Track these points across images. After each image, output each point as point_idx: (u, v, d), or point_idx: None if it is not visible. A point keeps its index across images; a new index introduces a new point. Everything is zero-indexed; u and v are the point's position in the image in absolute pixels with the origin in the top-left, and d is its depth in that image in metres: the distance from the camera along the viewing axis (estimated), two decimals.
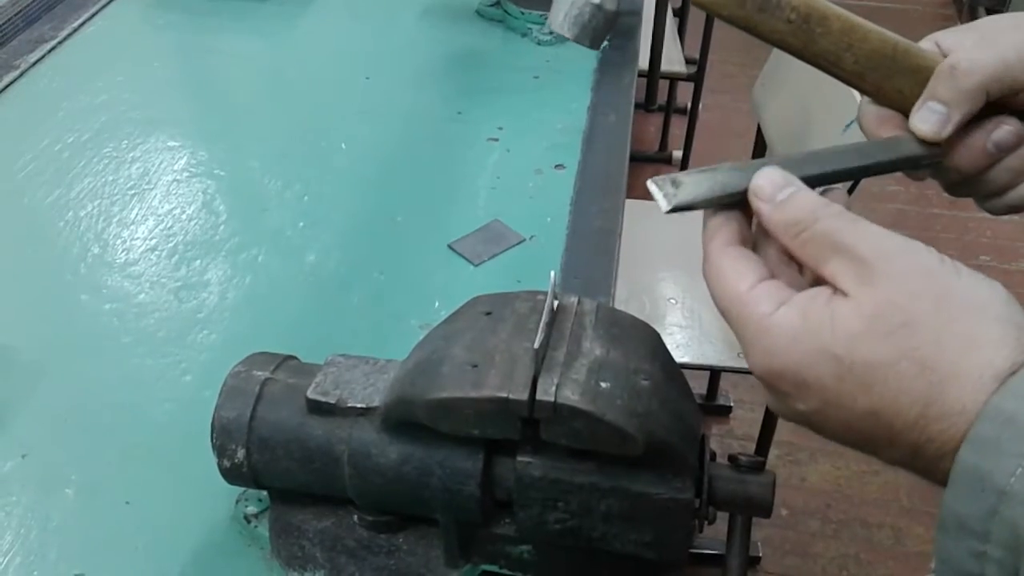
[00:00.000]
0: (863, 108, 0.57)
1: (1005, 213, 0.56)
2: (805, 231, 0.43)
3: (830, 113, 1.40)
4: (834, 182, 0.50)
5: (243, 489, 0.68)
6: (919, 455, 0.39)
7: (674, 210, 0.48)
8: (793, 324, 0.42)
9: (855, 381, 0.39)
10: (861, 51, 0.55)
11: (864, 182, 1.36)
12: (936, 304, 0.39)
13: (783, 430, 1.86)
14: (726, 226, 0.47)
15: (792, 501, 1.89)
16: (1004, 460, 0.35)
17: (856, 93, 0.56)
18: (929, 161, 0.52)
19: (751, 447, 1.78)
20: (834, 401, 0.41)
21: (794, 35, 0.55)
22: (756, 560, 1.78)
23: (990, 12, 2.95)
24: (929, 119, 0.51)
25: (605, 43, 1.34)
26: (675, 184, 0.48)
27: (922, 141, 0.52)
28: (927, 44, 0.55)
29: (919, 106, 0.52)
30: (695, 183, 0.48)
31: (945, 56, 0.53)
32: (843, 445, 0.43)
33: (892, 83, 0.55)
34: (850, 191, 1.35)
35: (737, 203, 0.47)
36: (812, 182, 0.48)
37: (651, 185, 0.48)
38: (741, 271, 0.44)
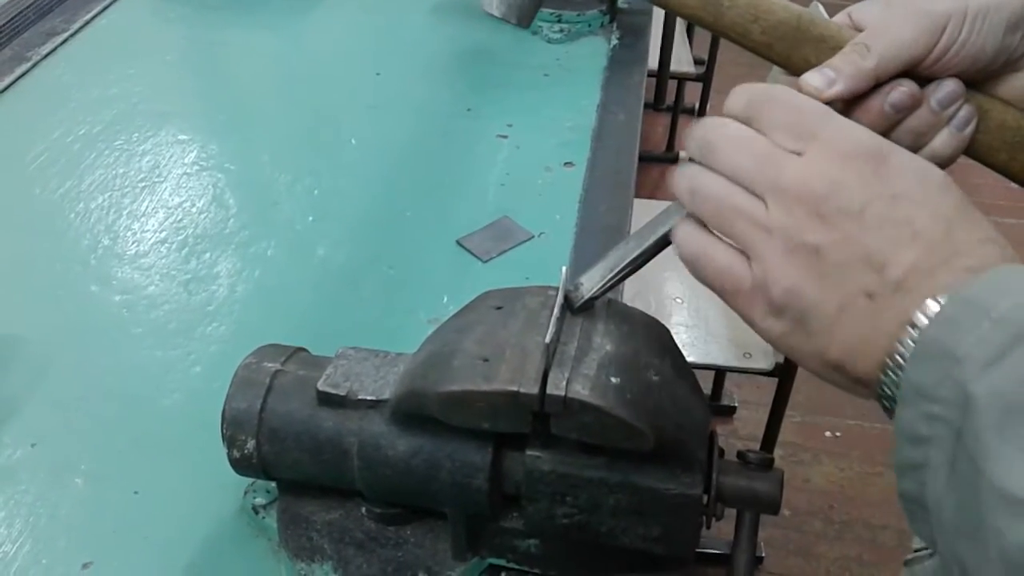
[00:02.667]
0: (776, 78, 0.60)
1: None
2: None
3: None
4: None
5: (251, 480, 0.69)
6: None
7: (582, 307, 0.56)
8: None
9: (954, 195, 0.43)
10: (767, 23, 0.59)
11: None
12: None
13: (787, 431, 1.86)
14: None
15: (795, 502, 1.89)
16: (962, 333, 0.38)
17: None
18: None
19: (755, 448, 1.78)
20: (922, 189, 0.43)
21: (704, 8, 0.60)
22: (759, 560, 1.78)
23: None
24: (817, 77, 0.53)
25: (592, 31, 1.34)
26: (577, 288, 0.56)
27: None
28: (841, 17, 0.58)
29: (816, 68, 0.54)
30: (589, 278, 0.55)
31: (856, 29, 0.56)
32: (857, 258, 0.43)
33: (799, 52, 0.58)
34: None
35: (641, 265, 0.54)
36: None
37: (559, 299, 0.55)
38: None
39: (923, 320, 0.40)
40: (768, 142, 0.45)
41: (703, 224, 0.47)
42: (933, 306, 0.40)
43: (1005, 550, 0.34)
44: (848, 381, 0.44)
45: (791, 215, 0.43)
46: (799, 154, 0.44)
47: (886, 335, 0.41)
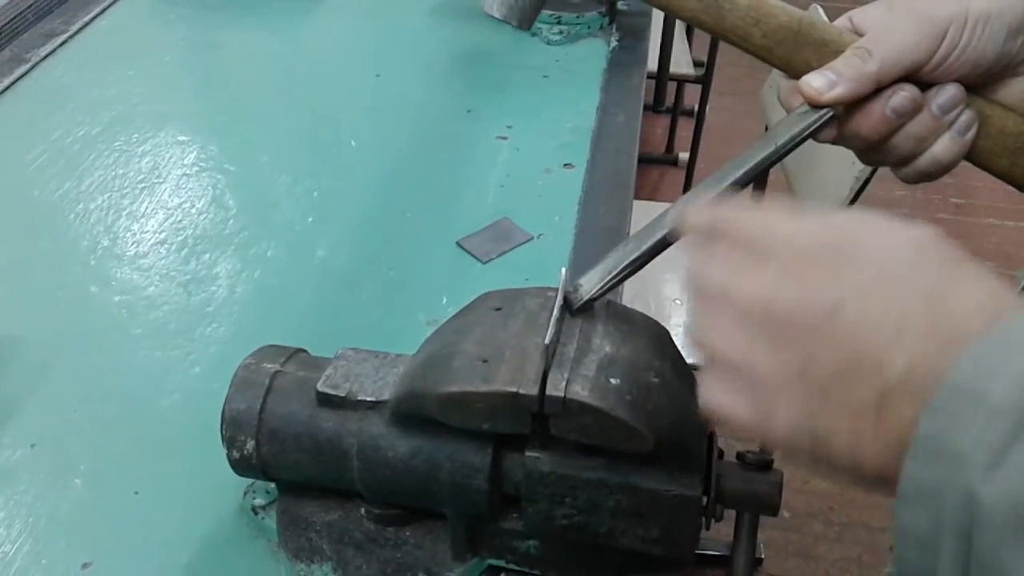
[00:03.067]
0: (778, 81, 0.60)
1: (918, 181, 0.59)
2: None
3: None
4: (754, 178, 0.55)
5: (251, 481, 0.69)
6: (947, 341, 0.37)
7: (582, 309, 0.55)
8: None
9: (927, 264, 0.39)
10: (768, 26, 0.59)
11: (871, 188, 1.36)
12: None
13: None
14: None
15: (795, 503, 1.89)
16: (959, 427, 0.35)
17: None
18: (819, 124, 0.55)
19: (755, 449, 1.78)
20: (891, 273, 0.39)
21: (705, 12, 0.60)
22: (759, 562, 1.78)
23: None
24: (818, 79, 0.54)
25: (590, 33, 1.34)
26: (576, 289, 0.55)
27: (813, 106, 0.55)
28: (842, 21, 0.58)
29: (817, 70, 0.55)
30: (589, 279, 0.55)
31: (857, 33, 0.57)
32: (835, 368, 0.39)
33: (800, 56, 0.59)
34: (855, 198, 1.35)
35: (640, 267, 0.54)
36: (739, 184, 0.54)
37: (559, 300, 0.54)
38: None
39: None
40: (736, 281, 0.42)
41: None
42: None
43: None
44: (892, 494, 0.39)
45: (774, 353, 0.41)
46: (762, 274, 0.42)
47: (903, 442, 0.37)
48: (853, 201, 1.36)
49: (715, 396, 0.43)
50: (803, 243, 0.41)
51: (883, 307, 0.38)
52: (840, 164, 1.37)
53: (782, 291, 0.40)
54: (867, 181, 1.32)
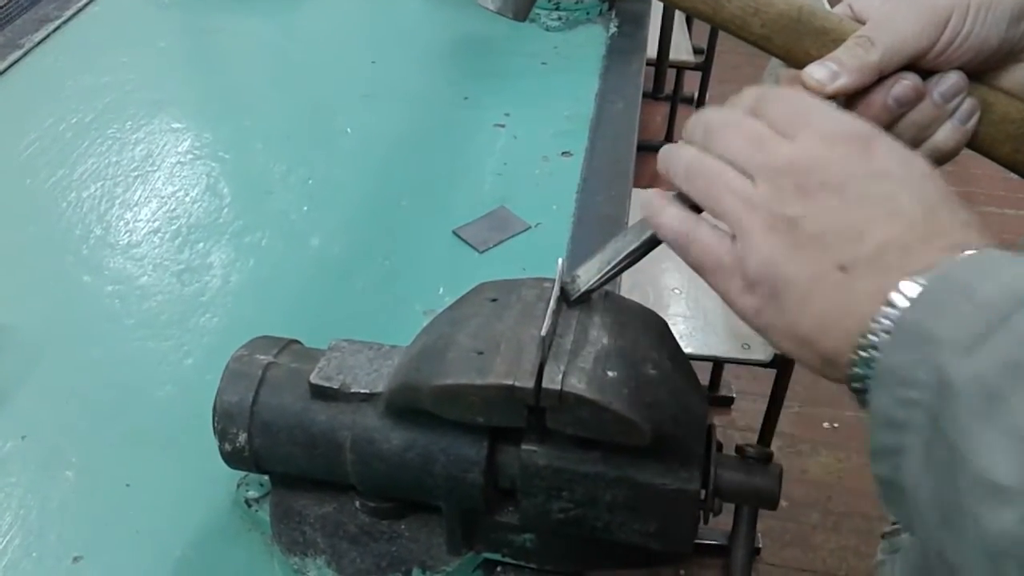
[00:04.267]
0: (777, 71, 0.60)
1: None
2: None
3: None
4: None
5: (244, 473, 0.68)
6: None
7: (579, 300, 0.55)
8: None
9: (936, 183, 0.43)
10: (767, 15, 0.58)
11: None
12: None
13: (785, 422, 1.85)
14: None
15: (793, 493, 1.89)
16: (943, 315, 0.37)
17: None
18: None
19: (753, 439, 1.78)
20: (905, 171, 0.43)
21: (703, 2, 0.59)
22: (756, 551, 1.78)
23: None
24: (820, 70, 0.54)
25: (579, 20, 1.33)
26: (574, 280, 0.55)
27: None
28: (842, 8, 0.57)
29: (819, 61, 0.54)
30: (586, 270, 0.55)
31: (857, 21, 0.56)
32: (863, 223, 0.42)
33: (800, 45, 0.58)
34: None
35: (639, 258, 0.53)
36: None
37: (556, 291, 0.54)
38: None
39: (901, 300, 0.39)
40: (764, 129, 0.46)
41: (691, 206, 0.48)
42: (911, 287, 0.39)
43: (984, 537, 0.34)
44: (818, 359, 0.43)
45: (775, 190, 0.44)
46: (792, 140, 0.45)
47: (859, 312, 0.40)
48: None
49: (700, 235, 0.47)
50: (833, 123, 0.45)
51: (889, 192, 0.42)
52: None
53: (808, 151, 0.44)
54: None
